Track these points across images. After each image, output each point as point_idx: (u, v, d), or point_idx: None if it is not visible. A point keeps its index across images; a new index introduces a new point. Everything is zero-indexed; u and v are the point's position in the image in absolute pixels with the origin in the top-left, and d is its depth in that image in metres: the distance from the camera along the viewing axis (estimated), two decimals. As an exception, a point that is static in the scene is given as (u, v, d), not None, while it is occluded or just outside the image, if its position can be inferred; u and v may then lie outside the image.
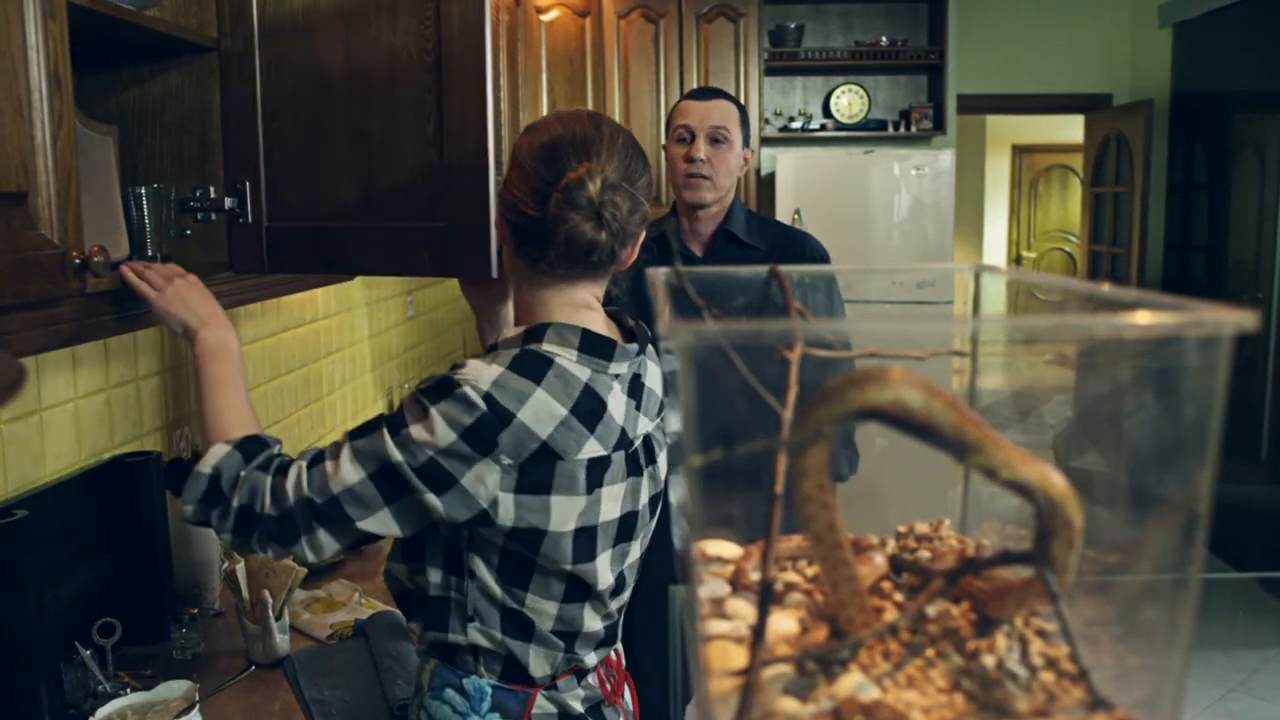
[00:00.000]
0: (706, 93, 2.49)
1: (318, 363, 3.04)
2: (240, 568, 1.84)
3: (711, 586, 0.58)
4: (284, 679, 1.79)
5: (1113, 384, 0.61)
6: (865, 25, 5.63)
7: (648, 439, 1.43)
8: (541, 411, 1.27)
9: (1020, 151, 10.60)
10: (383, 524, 1.29)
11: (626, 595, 1.49)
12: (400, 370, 3.90)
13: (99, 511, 1.88)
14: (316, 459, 1.30)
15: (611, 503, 1.36)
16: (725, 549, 0.62)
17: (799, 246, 2.49)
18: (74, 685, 1.65)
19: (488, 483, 1.26)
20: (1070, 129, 8.73)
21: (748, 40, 4.99)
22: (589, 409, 1.30)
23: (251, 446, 1.34)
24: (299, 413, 2.90)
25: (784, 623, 0.55)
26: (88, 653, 1.66)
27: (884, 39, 5.46)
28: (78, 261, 1.18)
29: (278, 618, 1.83)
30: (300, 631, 1.97)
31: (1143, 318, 0.49)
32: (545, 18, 4.81)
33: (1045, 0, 6.11)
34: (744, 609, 0.56)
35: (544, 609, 1.37)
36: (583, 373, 1.31)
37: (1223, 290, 5.43)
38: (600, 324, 1.39)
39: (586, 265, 1.34)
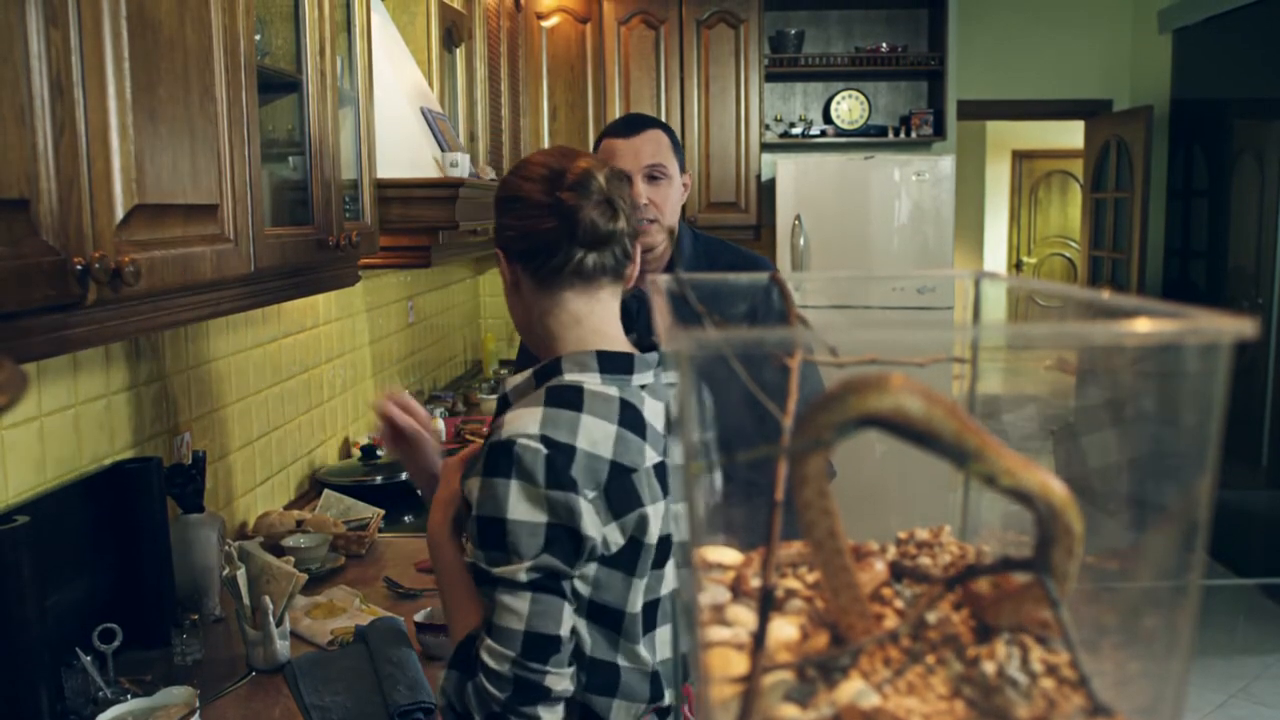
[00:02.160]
0: (632, 125, 2.23)
1: (319, 368, 3.04)
2: (241, 573, 1.84)
3: (712, 593, 0.58)
4: (284, 685, 1.79)
5: (1113, 390, 0.61)
6: (865, 31, 5.64)
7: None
8: (596, 433, 1.28)
9: (1020, 157, 10.61)
10: (571, 617, 1.28)
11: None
12: (401, 376, 3.90)
13: (100, 517, 1.88)
14: (489, 628, 1.27)
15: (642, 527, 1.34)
16: (726, 555, 0.62)
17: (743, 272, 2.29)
18: (75, 691, 1.65)
19: (587, 521, 1.26)
20: (1070, 135, 8.74)
21: (748, 46, 5.00)
22: (633, 420, 1.32)
23: (461, 655, 1.32)
24: (300, 418, 2.90)
25: (784, 629, 0.55)
26: (88, 658, 1.66)
27: (884, 45, 5.47)
28: (79, 268, 1.18)
29: (278, 623, 1.83)
30: (301, 637, 1.97)
31: (1142, 326, 0.49)
32: (546, 24, 4.82)
33: (1045, 6, 6.12)
34: (744, 615, 0.56)
35: (635, 650, 1.35)
36: (612, 390, 1.33)
37: (1222, 295, 5.43)
38: (620, 343, 1.40)
39: (607, 257, 1.37)
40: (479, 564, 1.26)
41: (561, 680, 1.26)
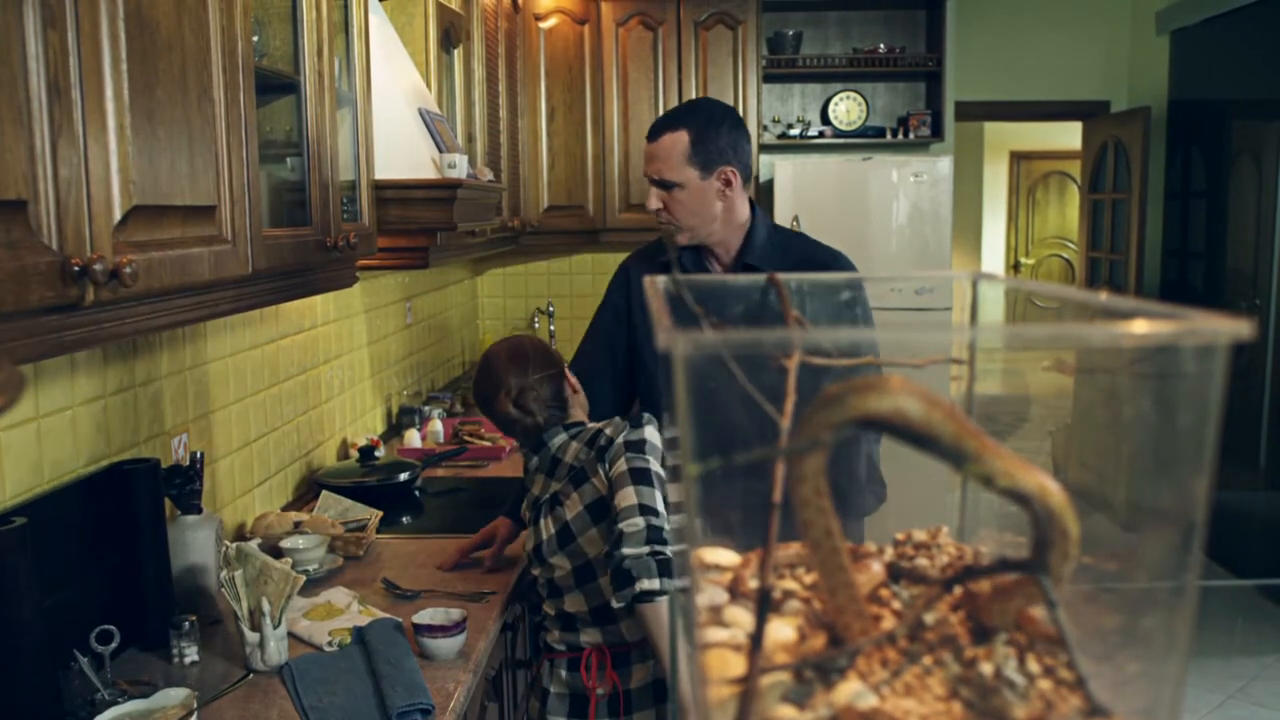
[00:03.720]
0: (653, 130, 2.26)
1: (317, 369, 3.04)
2: (239, 575, 1.83)
3: (710, 594, 0.58)
4: (282, 686, 1.78)
5: (1111, 392, 0.61)
6: (863, 32, 5.64)
7: (553, 493, 2.03)
8: None
9: (1018, 158, 10.62)
10: None
11: (562, 603, 2.02)
12: (399, 377, 3.90)
13: (98, 519, 1.88)
14: None
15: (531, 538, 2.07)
16: (723, 556, 0.62)
17: (818, 268, 2.23)
18: (72, 693, 1.65)
19: None
20: (1068, 136, 8.74)
21: (746, 48, 5.00)
22: (516, 501, 2.29)
23: None
24: (298, 419, 2.90)
25: (782, 630, 0.55)
26: (86, 660, 1.66)
27: (882, 46, 5.47)
28: (77, 269, 1.18)
29: (276, 625, 1.83)
30: (298, 639, 1.97)
31: (1139, 327, 0.49)
32: (544, 25, 4.82)
33: (1043, 7, 6.12)
34: (742, 617, 0.56)
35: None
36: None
37: (1220, 297, 5.43)
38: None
39: (548, 426, 2.07)
40: None
41: None
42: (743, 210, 2.29)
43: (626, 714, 1.95)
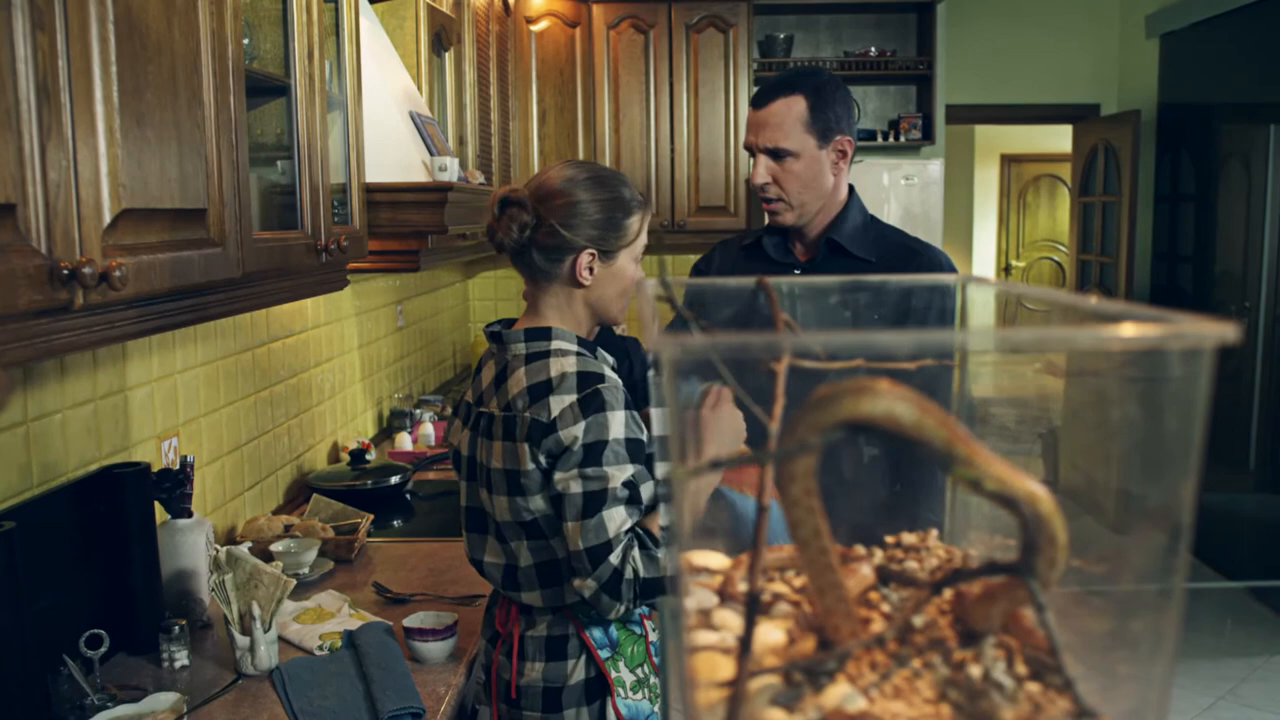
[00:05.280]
0: (762, 96, 2.07)
1: (308, 372, 3.03)
2: (229, 579, 1.83)
3: (699, 597, 0.58)
4: (272, 690, 1.78)
5: (1099, 394, 0.61)
6: (854, 36, 5.66)
7: (490, 415, 1.75)
8: None
9: (1009, 161, 10.64)
10: None
11: (484, 543, 1.80)
12: (390, 380, 3.89)
13: (87, 523, 1.87)
14: None
15: (457, 437, 1.86)
16: (713, 560, 0.62)
17: (913, 260, 2.06)
18: (61, 697, 1.64)
19: None
20: (1059, 139, 8.77)
21: (737, 51, 5.00)
22: (475, 371, 1.88)
23: None
24: (289, 422, 2.89)
25: (771, 633, 0.55)
26: (75, 664, 1.65)
27: (873, 49, 5.49)
28: (66, 273, 1.18)
29: (266, 629, 1.82)
30: (289, 642, 1.97)
31: (1127, 330, 0.49)
32: (535, 28, 4.82)
33: (1034, 11, 6.15)
34: (731, 620, 0.56)
35: None
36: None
37: (1210, 300, 5.45)
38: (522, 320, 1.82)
39: (513, 260, 1.78)
40: None
41: None
42: (843, 189, 2.13)
43: (520, 659, 1.79)
